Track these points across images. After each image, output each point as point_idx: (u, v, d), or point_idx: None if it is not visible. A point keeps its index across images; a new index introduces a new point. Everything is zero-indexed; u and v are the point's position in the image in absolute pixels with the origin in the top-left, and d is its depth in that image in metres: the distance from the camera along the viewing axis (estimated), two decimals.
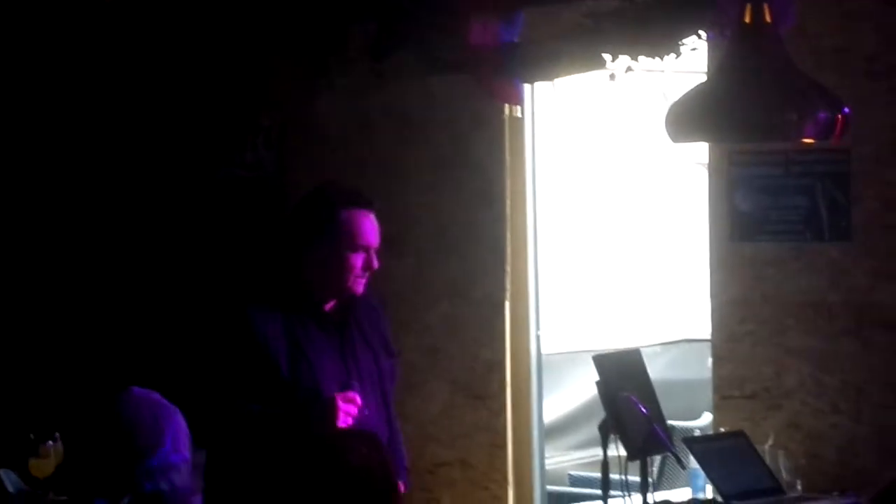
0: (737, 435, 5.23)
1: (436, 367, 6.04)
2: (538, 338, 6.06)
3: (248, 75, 6.44)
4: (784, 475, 5.14)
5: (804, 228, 5.42)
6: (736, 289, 5.52)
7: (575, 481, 6.38)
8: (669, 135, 3.77)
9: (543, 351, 6.01)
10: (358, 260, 4.08)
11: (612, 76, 5.13)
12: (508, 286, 5.95)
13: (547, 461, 6.14)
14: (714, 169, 5.59)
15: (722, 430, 5.43)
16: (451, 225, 6.02)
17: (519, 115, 5.86)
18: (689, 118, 3.68)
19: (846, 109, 3.60)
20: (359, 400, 3.90)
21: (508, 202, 5.91)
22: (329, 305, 4.12)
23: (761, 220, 5.49)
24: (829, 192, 5.38)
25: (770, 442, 5.23)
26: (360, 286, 4.07)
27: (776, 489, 5.07)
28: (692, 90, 3.74)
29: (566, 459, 6.79)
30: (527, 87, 5.70)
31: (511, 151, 5.93)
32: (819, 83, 3.67)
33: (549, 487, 6.10)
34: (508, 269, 5.95)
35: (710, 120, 3.64)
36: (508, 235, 5.94)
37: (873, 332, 5.29)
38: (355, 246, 4.07)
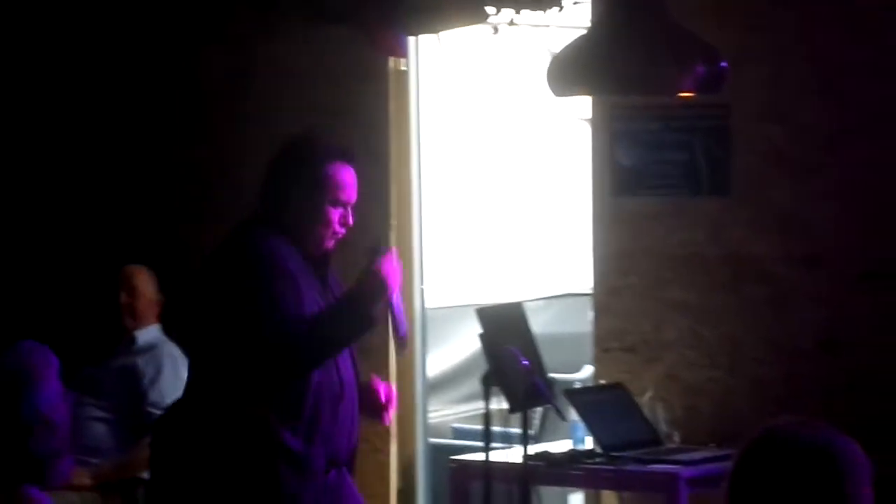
0: (616, 387, 5.30)
1: None
2: (422, 291, 6.06)
3: (131, 24, 6.33)
4: (662, 427, 5.22)
5: (683, 183, 5.48)
6: (616, 243, 5.56)
7: (458, 434, 6.40)
8: (552, 88, 3.78)
9: (428, 305, 6.02)
10: (335, 215, 4.06)
11: (495, 29, 5.13)
12: (393, 240, 5.94)
13: (430, 415, 6.16)
14: (596, 124, 5.62)
15: (602, 382, 5.49)
16: None
17: (404, 67, 5.84)
18: (570, 72, 3.69)
19: (724, 63, 3.64)
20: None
21: (393, 156, 5.89)
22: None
23: (642, 174, 5.54)
24: (709, 146, 5.44)
25: (649, 394, 5.30)
26: (332, 241, 4.06)
27: (654, 440, 5.14)
28: (572, 44, 3.75)
29: (450, 413, 6.81)
30: (411, 39, 5.69)
31: (396, 104, 5.91)
32: (698, 37, 3.70)
33: (432, 440, 6.11)
34: (393, 222, 5.94)
35: (590, 73, 3.66)
36: (393, 189, 5.92)
37: (750, 285, 5.37)
38: (336, 201, 4.05)
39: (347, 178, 4.11)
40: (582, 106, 5.68)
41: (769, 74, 5.32)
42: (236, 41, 6.10)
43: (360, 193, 5.90)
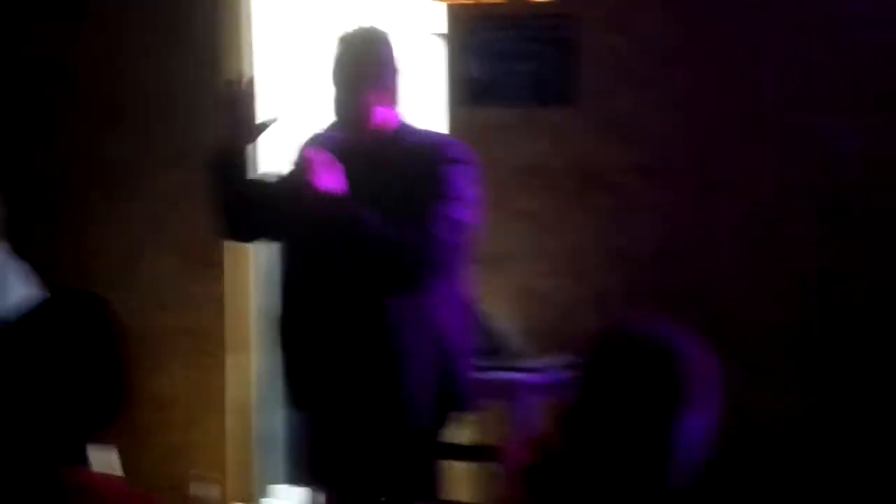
0: None
1: (162, 235, 5.95)
2: None
3: None
4: (508, 336, 5.26)
5: (531, 94, 5.50)
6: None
7: None
8: None
9: None
10: None
11: None
12: None
13: None
14: (450, 36, 5.61)
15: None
16: (173, 93, 5.92)
17: None
18: None
19: None
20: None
21: (232, 68, 5.82)
22: None
23: (492, 85, 5.55)
24: (557, 57, 5.46)
25: (493, 304, 5.34)
26: None
27: (495, 350, 5.18)
28: None
29: None
30: None
31: (230, 18, 5.83)
32: None
33: None
34: None
35: None
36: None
37: (595, 195, 5.42)
38: None
39: None
40: (435, 20, 5.66)
41: None
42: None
43: (200, 110, 5.87)
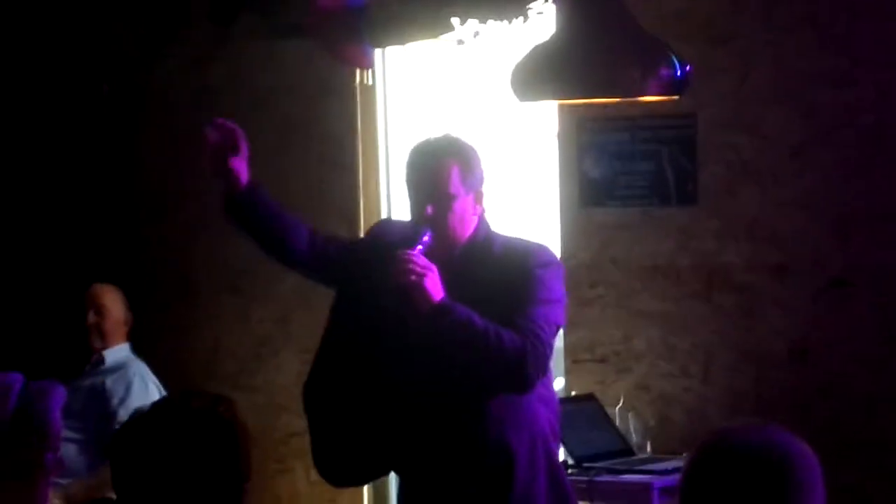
0: (588, 398, 5.29)
1: (288, 337, 6.00)
2: None
3: (90, 42, 6.31)
4: (634, 437, 5.21)
5: (651, 193, 5.48)
6: (585, 254, 5.56)
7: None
8: (515, 93, 3.77)
9: None
10: None
11: (460, 41, 5.12)
12: None
13: None
14: (564, 136, 5.63)
15: (573, 393, 5.48)
16: (301, 194, 5.97)
17: (370, 81, 5.84)
18: (533, 76, 3.69)
19: (688, 67, 3.65)
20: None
21: (361, 170, 5.89)
22: None
23: (610, 185, 5.55)
24: (675, 157, 5.45)
25: (620, 404, 5.29)
26: None
27: (626, 451, 5.13)
28: (536, 49, 3.75)
29: None
30: (377, 52, 5.69)
31: (362, 118, 5.90)
32: (661, 41, 3.71)
33: None
34: (362, 236, 5.92)
35: (553, 77, 3.66)
36: (362, 203, 5.91)
37: (721, 294, 5.38)
38: None
39: None
40: (549, 120, 5.68)
41: (734, 84, 5.33)
42: (196, 58, 6.09)
43: (327, 209, 5.94)
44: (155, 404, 2.56)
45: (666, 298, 5.44)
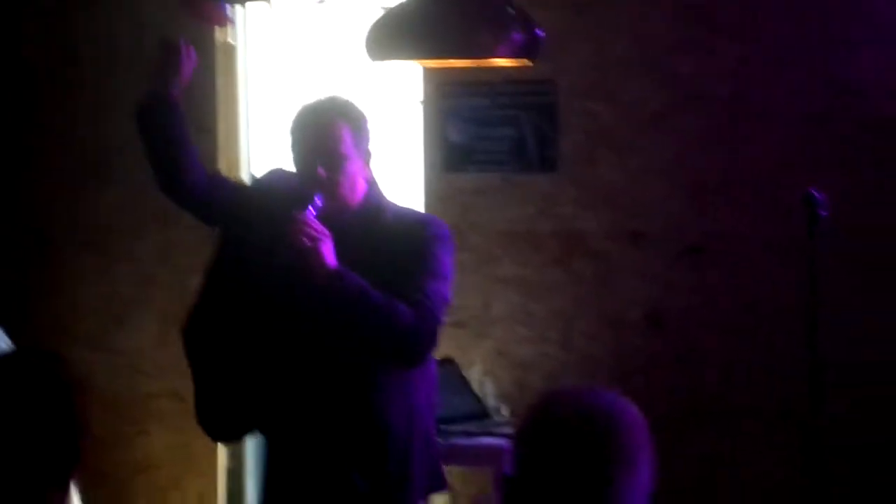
0: (446, 362, 5.30)
1: (149, 298, 5.93)
2: None
3: None
4: (490, 401, 5.24)
5: (512, 159, 5.51)
6: (447, 219, 5.46)
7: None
8: (369, 54, 3.76)
9: None
10: None
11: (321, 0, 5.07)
12: None
13: None
14: (427, 101, 5.63)
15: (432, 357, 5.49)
16: None
17: (231, 40, 5.77)
18: (387, 37, 3.68)
19: (540, 31, 3.67)
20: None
21: (221, 132, 5.82)
22: None
23: (470, 151, 5.56)
24: (536, 123, 5.48)
25: (478, 369, 5.32)
26: None
27: (483, 414, 5.17)
28: (392, 9, 3.75)
29: None
30: (239, 10, 5.62)
31: (223, 78, 5.84)
32: (515, 5, 3.72)
33: None
34: None
35: (406, 38, 3.65)
36: (223, 165, 5.85)
37: (579, 261, 5.42)
38: None
39: None
40: (416, 86, 5.67)
41: (593, 51, 5.37)
42: (55, 15, 5.97)
43: None
44: None
45: (525, 265, 5.48)
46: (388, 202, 3.79)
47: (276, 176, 3.87)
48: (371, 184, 3.75)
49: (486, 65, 3.87)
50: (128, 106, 5.93)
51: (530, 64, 3.86)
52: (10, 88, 6.07)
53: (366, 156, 3.72)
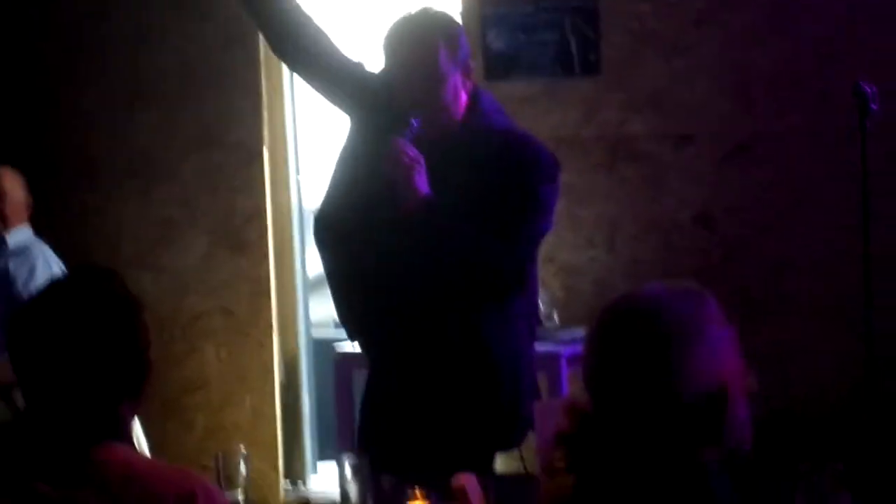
0: None
1: (192, 218, 5.95)
2: (299, 186, 6.01)
3: None
4: (541, 308, 5.23)
5: (555, 64, 5.46)
6: None
7: (340, 325, 6.40)
8: None
9: (307, 205, 5.97)
10: None
11: None
12: (266, 133, 5.88)
13: (313, 310, 6.13)
14: (467, 10, 5.58)
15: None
16: (199, 73, 5.89)
17: None
18: None
19: None
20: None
21: (262, 45, 5.79)
22: None
23: (513, 58, 5.52)
24: (578, 26, 5.42)
25: None
26: None
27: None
28: None
29: (332, 309, 6.80)
30: None
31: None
32: None
33: (315, 333, 6.11)
34: (265, 114, 5.86)
35: None
36: (263, 80, 5.84)
37: (625, 165, 5.39)
38: None
39: None
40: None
41: None
42: (97, 4, 5.97)
43: (228, 86, 5.86)
44: (46, 284, 2.54)
45: (570, 170, 5.43)
46: (495, 117, 3.66)
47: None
48: (474, 96, 3.62)
49: None
50: (165, 27, 5.98)
51: None
52: (47, 18, 6.06)
53: (464, 68, 3.59)
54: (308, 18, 3.72)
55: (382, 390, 3.77)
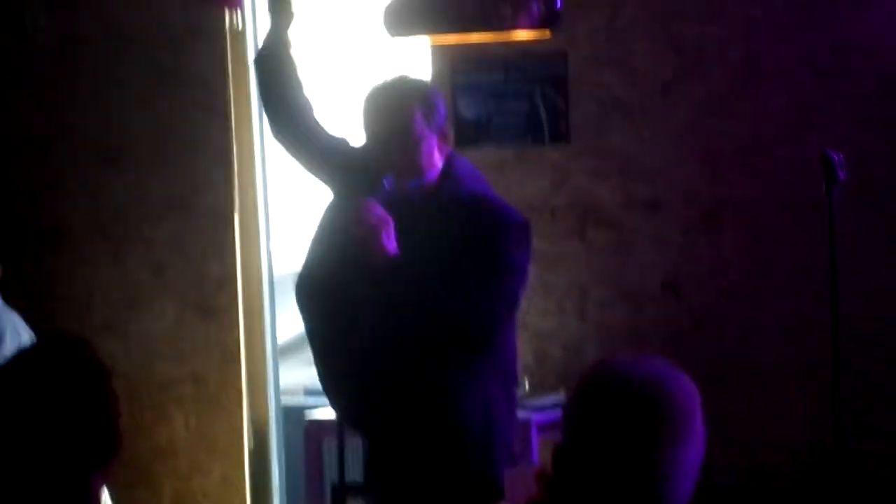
0: None
1: (162, 284, 5.94)
2: (269, 252, 6.02)
3: None
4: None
5: (525, 132, 5.51)
6: None
7: (310, 393, 6.38)
8: (387, 28, 3.76)
9: (277, 271, 5.97)
10: None
11: None
12: (237, 199, 5.88)
13: (283, 376, 6.12)
14: (438, 77, 5.62)
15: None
16: (172, 138, 5.90)
17: (239, 24, 5.77)
18: (406, 11, 3.68)
19: (559, 3, 3.67)
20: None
21: (233, 113, 5.82)
22: None
23: (484, 125, 5.56)
24: (548, 95, 5.47)
25: None
26: None
27: None
28: None
29: (302, 375, 6.78)
30: None
31: (233, 62, 5.83)
32: None
33: (284, 401, 6.08)
34: (236, 180, 5.88)
35: (426, 12, 3.66)
36: (234, 146, 5.86)
37: (594, 231, 5.43)
38: None
39: None
40: (424, 63, 5.67)
41: (603, 21, 5.36)
42: (61, 3, 5.97)
43: (199, 153, 5.88)
44: (14, 354, 2.53)
45: (541, 237, 5.46)
46: (469, 182, 3.70)
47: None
48: (449, 160, 3.68)
49: (506, 38, 3.86)
50: (139, 92, 5.99)
51: (549, 36, 3.86)
52: (18, 76, 6.06)
53: (440, 133, 3.66)
54: (308, 102, 3.80)
55: (368, 455, 3.79)
